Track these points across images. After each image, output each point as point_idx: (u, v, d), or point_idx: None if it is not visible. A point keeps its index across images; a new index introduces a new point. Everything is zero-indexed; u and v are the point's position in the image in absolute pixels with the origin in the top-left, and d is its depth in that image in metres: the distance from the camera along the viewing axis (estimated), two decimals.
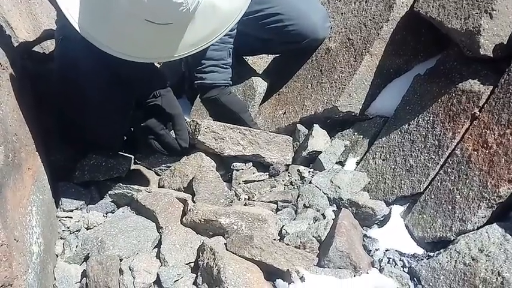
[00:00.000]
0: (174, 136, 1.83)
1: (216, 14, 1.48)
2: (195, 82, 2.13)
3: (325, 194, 1.72)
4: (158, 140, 1.82)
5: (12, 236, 1.14)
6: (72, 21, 1.43)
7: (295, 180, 1.85)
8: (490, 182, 1.37)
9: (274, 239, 1.49)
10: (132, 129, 2.07)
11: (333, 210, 1.65)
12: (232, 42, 2.09)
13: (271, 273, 1.36)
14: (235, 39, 2.10)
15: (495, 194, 1.35)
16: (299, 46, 2.21)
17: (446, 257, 1.35)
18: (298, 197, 1.74)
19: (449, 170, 1.52)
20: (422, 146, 1.64)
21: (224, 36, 1.95)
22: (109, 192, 1.83)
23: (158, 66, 2.69)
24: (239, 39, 2.10)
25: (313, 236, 1.49)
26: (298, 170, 1.89)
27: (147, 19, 1.37)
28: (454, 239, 1.40)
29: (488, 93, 1.52)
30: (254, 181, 1.89)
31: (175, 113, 1.87)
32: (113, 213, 1.79)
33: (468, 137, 1.52)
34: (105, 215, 1.77)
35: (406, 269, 1.41)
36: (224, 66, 2.09)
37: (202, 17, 1.44)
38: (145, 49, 1.50)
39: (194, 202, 1.69)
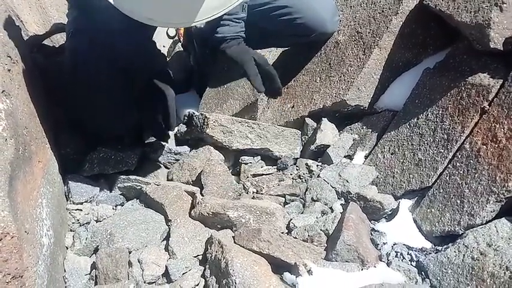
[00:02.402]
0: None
1: None
2: (207, 38, 2.11)
3: (333, 187, 1.72)
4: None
5: (23, 228, 1.15)
6: None
7: (303, 174, 1.85)
8: (499, 176, 1.37)
9: (282, 233, 1.50)
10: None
11: (341, 204, 1.65)
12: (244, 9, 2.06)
13: (278, 266, 1.37)
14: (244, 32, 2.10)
15: (504, 188, 1.34)
16: (307, 39, 2.21)
17: (455, 251, 1.34)
18: (306, 190, 1.74)
19: (458, 164, 1.51)
20: (431, 139, 1.63)
21: None
22: (118, 185, 1.85)
23: (167, 60, 2.71)
24: (247, 31, 2.10)
25: (321, 230, 1.49)
26: (306, 164, 1.89)
27: None
28: (462, 233, 1.39)
29: (498, 87, 1.51)
30: (262, 175, 1.89)
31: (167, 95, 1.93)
32: (122, 206, 1.80)
33: (477, 131, 1.51)
34: (114, 208, 1.78)
35: (413, 263, 1.41)
36: (236, 20, 2.05)
37: None
38: (169, 13, 1.45)
39: (202, 195, 1.70)
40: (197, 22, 1.48)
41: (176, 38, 2.74)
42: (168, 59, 3.01)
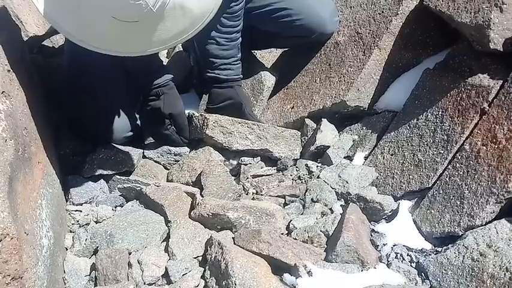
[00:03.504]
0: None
1: (186, 15, 1.46)
2: (208, 75, 2.14)
3: (333, 188, 1.72)
4: (162, 137, 1.93)
5: (23, 229, 1.15)
6: (38, 5, 1.42)
7: (303, 175, 1.85)
8: (499, 177, 1.37)
9: (282, 234, 1.50)
10: (140, 123, 2.08)
11: (341, 205, 1.65)
12: (240, 36, 2.10)
13: (278, 267, 1.36)
14: (243, 33, 2.10)
15: (504, 190, 1.34)
16: (307, 40, 2.21)
17: (454, 252, 1.34)
18: (306, 191, 1.74)
19: (457, 165, 1.51)
20: (431, 140, 1.63)
21: (232, 34, 2.03)
22: (118, 186, 1.84)
23: (164, 61, 2.71)
24: (247, 33, 2.10)
25: (320, 231, 1.49)
26: (306, 165, 1.89)
27: (113, 16, 1.36)
28: (462, 234, 1.39)
29: (498, 87, 1.51)
30: (262, 175, 1.89)
31: (177, 113, 1.96)
32: (121, 207, 1.79)
33: (477, 132, 1.51)
34: (114, 209, 1.78)
35: (413, 264, 1.41)
36: (235, 63, 2.11)
37: (171, 17, 1.42)
38: (115, 43, 1.48)
39: (202, 196, 1.70)
40: (146, 52, 1.52)
41: None
42: (168, 59, 3.01)
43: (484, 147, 1.46)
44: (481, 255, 1.28)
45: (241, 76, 2.18)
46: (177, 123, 1.99)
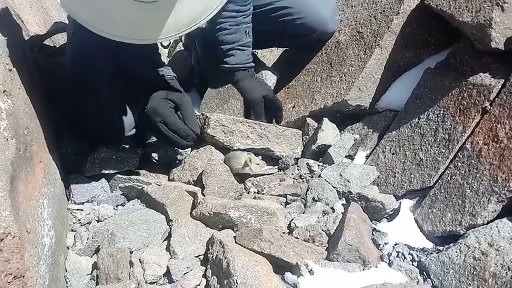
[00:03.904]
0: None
1: None
2: (221, 67, 2.13)
3: (334, 187, 1.72)
4: (166, 123, 1.79)
5: (24, 228, 1.15)
6: None
7: (305, 174, 1.85)
8: (501, 176, 1.37)
9: (284, 233, 1.50)
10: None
11: (342, 204, 1.65)
12: (249, 21, 2.06)
13: (280, 266, 1.36)
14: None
15: (505, 188, 1.34)
16: (309, 39, 2.21)
17: (456, 251, 1.34)
18: (308, 190, 1.74)
19: (459, 164, 1.51)
20: (433, 140, 1.63)
21: (238, 17, 2.00)
22: (119, 185, 1.85)
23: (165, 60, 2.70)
24: None
25: (322, 230, 1.49)
26: (307, 164, 1.89)
27: None
28: (463, 233, 1.39)
29: (499, 86, 1.51)
30: (263, 175, 1.89)
31: (184, 103, 1.87)
32: (123, 206, 1.80)
33: (479, 131, 1.51)
34: (115, 208, 1.78)
35: (415, 263, 1.41)
36: (240, 47, 2.06)
37: None
38: (132, 30, 1.46)
39: (204, 195, 1.70)
40: (165, 38, 1.50)
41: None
42: (169, 58, 3.01)
43: (486, 146, 1.46)
44: (482, 254, 1.28)
45: (249, 64, 2.11)
46: (184, 115, 1.87)
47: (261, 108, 2.09)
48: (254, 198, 1.75)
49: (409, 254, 1.44)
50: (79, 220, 1.68)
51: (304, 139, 2.05)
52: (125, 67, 1.83)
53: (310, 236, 1.48)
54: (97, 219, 1.69)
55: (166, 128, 1.79)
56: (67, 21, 2.10)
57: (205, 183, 1.75)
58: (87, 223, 1.68)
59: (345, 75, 2.02)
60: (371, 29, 2.00)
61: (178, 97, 1.85)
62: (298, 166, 1.92)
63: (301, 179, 1.83)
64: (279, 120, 2.14)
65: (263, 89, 2.10)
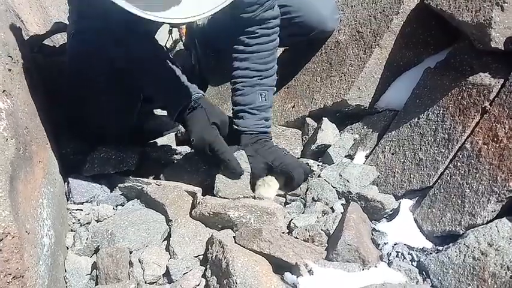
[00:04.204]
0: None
1: None
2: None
3: (334, 187, 1.72)
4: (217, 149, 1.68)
5: (24, 228, 1.15)
6: None
7: None
8: (500, 176, 1.37)
9: (283, 233, 1.50)
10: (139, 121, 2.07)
11: (342, 204, 1.65)
12: (268, 83, 1.85)
13: (279, 266, 1.36)
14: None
15: (505, 188, 1.34)
16: (308, 38, 2.20)
17: (455, 251, 1.34)
18: (307, 190, 1.74)
19: (459, 164, 1.51)
20: (432, 139, 1.63)
21: (253, 77, 1.81)
22: (119, 185, 1.84)
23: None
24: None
25: (321, 230, 1.49)
26: (307, 164, 1.88)
27: None
28: (463, 233, 1.39)
29: (499, 86, 1.51)
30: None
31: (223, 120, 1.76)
32: (122, 206, 1.80)
33: (478, 131, 1.51)
34: (115, 208, 1.78)
35: (414, 263, 1.41)
36: (251, 111, 1.82)
37: None
38: (168, 8, 1.34)
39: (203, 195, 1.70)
40: (204, 15, 1.38)
41: (178, 37, 2.73)
42: None
43: (485, 146, 1.46)
44: (482, 254, 1.28)
45: (259, 129, 1.83)
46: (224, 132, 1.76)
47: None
48: (254, 198, 1.75)
49: (408, 254, 1.44)
50: (78, 220, 1.68)
51: (304, 139, 2.05)
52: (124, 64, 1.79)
53: (309, 236, 1.48)
54: (96, 219, 1.69)
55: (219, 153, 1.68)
56: (67, 21, 2.10)
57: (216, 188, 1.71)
58: (87, 223, 1.68)
59: (344, 75, 2.02)
60: (371, 29, 2.00)
61: (220, 118, 1.76)
62: None
63: None
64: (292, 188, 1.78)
65: (265, 158, 1.76)
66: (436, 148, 1.61)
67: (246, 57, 1.82)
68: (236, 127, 1.83)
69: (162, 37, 2.69)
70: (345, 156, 1.92)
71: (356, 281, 1.29)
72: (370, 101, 1.97)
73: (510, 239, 1.27)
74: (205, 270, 1.40)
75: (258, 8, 1.77)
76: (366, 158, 1.86)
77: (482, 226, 1.36)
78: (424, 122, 1.69)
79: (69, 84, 1.96)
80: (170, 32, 2.64)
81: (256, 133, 1.81)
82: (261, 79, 1.83)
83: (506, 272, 1.21)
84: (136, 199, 1.80)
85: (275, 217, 1.53)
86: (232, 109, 1.87)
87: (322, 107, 2.05)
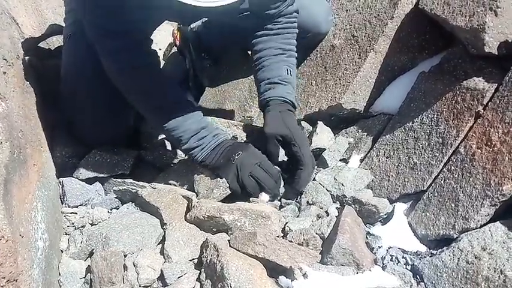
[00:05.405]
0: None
1: None
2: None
3: (328, 191, 1.72)
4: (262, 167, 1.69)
5: (18, 231, 1.15)
6: None
7: None
8: (494, 180, 1.37)
9: (278, 236, 1.50)
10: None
11: (336, 208, 1.66)
12: (289, 61, 1.86)
13: (274, 269, 1.36)
14: (238, 34, 2.08)
15: (498, 192, 1.35)
16: (302, 40, 2.20)
17: (449, 255, 1.35)
18: (302, 194, 1.74)
19: (452, 168, 1.52)
20: (426, 143, 1.64)
21: (277, 54, 1.83)
22: (113, 188, 1.84)
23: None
24: (242, 34, 2.09)
25: (316, 233, 1.49)
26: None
27: None
28: (457, 237, 1.40)
29: (493, 91, 1.51)
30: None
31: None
32: (117, 209, 1.79)
33: (472, 135, 1.51)
34: (109, 211, 1.77)
35: (408, 267, 1.42)
36: (280, 81, 1.82)
37: None
38: None
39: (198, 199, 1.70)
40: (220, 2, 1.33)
41: (172, 41, 2.74)
42: (163, 61, 3.01)
43: (479, 150, 1.46)
44: (475, 257, 1.29)
45: (286, 99, 1.81)
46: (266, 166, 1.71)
47: (274, 147, 1.77)
48: (248, 201, 1.75)
49: (402, 257, 1.44)
50: (73, 223, 1.67)
51: None
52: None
53: (304, 239, 1.48)
54: (91, 222, 1.69)
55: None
56: (63, 24, 2.10)
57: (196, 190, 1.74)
58: (81, 226, 1.67)
59: (339, 79, 2.02)
60: (365, 33, 2.01)
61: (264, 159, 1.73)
62: None
63: None
64: (297, 186, 1.75)
65: (285, 126, 1.74)
66: (430, 152, 1.61)
67: (269, 38, 1.86)
68: (265, 99, 1.81)
69: (160, 39, 2.70)
70: (340, 160, 1.92)
71: (350, 285, 1.29)
72: (364, 105, 1.97)
73: (503, 242, 1.28)
74: (200, 273, 1.40)
75: (281, 5, 1.81)
76: (361, 162, 1.87)
77: (475, 230, 1.36)
78: (419, 126, 1.70)
79: (65, 87, 1.95)
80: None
81: (288, 101, 1.80)
82: (286, 56, 1.86)
83: (499, 276, 1.22)
84: (131, 202, 1.80)
85: (270, 221, 1.53)
86: (258, 87, 1.86)
87: (317, 110, 2.06)
